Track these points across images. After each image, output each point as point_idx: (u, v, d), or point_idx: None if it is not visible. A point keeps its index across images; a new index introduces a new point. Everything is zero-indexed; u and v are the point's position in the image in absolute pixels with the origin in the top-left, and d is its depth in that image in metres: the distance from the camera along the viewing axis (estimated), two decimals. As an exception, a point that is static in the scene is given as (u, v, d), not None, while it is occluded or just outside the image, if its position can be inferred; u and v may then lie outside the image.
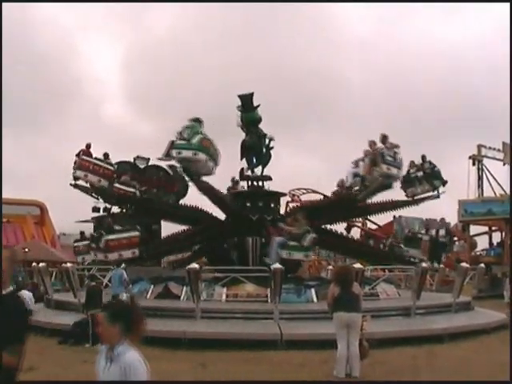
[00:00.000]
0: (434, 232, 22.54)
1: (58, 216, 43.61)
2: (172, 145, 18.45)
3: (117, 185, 19.52)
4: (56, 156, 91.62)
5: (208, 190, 19.98)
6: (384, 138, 19.79)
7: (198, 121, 19.05)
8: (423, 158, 21.42)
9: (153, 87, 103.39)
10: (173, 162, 19.91)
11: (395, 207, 22.05)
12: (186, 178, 20.40)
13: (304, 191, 37.13)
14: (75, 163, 19.92)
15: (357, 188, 19.84)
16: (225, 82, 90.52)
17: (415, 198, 21.34)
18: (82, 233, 22.77)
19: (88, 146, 20.11)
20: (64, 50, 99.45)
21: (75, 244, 22.59)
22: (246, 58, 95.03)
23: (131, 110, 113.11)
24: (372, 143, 19.74)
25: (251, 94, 19.79)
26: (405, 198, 21.50)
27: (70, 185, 20.02)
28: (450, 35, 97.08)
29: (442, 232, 22.81)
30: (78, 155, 19.93)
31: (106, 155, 20.03)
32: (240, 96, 19.69)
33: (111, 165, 20.11)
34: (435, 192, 21.03)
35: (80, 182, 20.00)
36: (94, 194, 21.17)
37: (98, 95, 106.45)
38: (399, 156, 19.96)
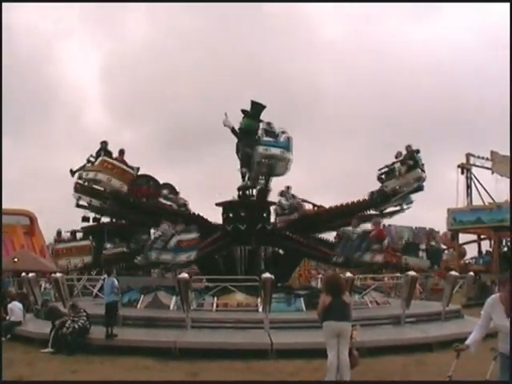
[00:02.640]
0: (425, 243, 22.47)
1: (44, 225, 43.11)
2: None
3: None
4: (37, 163, 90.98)
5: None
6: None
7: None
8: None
9: (132, 93, 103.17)
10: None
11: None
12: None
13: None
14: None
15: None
16: (203, 87, 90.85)
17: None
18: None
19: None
20: (41, 56, 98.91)
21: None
22: (223, 62, 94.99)
23: (111, 116, 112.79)
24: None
25: (263, 107, 19.71)
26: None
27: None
28: (431, 37, 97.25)
29: (432, 242, 22.78)
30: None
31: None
32: (253, 102, 19.57)
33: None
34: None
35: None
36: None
37: (77, 102, 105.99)
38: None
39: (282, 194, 22.78)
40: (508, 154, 41.51)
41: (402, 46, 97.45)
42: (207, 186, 64.63)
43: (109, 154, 19.37)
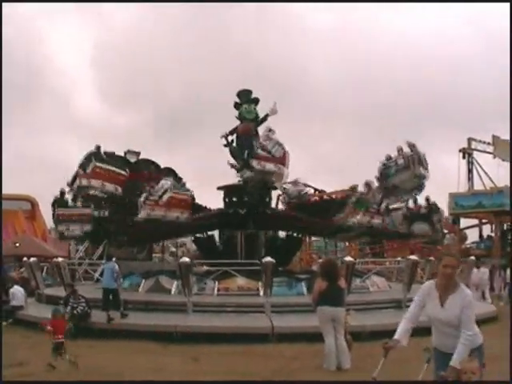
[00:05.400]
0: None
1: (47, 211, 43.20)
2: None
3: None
4: (27, 148, 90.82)
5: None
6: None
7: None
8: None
9: (122, 79, 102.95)
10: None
11: None
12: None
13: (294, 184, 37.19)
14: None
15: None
16: (194, 72, 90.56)
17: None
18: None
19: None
20: (29, 40, 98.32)
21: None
22: (212, 51, 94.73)
23: (101, 102, 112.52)
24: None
25: (250, 91, 19.96)
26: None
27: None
28: (430, 20, 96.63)
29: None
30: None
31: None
32: (240, 91, 19.80)
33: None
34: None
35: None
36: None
37: (66, 87, 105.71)
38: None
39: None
40: (509, 138, 41.46)
41: (399, 28, 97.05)
42: (205, 169, 64.66)
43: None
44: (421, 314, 5.56)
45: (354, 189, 19.74)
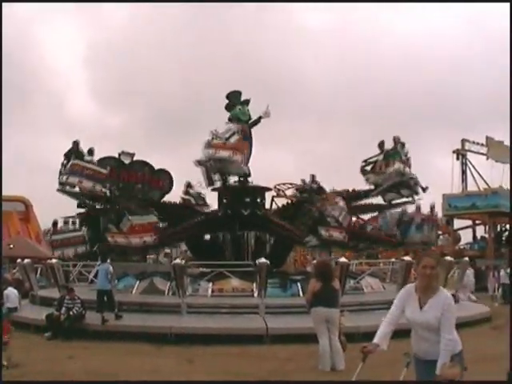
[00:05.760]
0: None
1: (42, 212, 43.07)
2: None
3: None
4: (23, 149, 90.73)
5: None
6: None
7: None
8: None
9: (115, 80, 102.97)
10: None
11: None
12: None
13: (290, 186, 37.23)
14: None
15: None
16: (187, 73, 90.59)
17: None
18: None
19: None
20: (23, 41, 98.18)
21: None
22: (208, 52, 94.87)
23: (95, 102, 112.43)
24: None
25: (239, 92, 19.94)
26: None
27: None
28: (424, 22, 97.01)
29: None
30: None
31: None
32: (230, 92, 19.85)
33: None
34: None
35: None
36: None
37: (60, 88, 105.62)
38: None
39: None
40: (503, 139, 41.66)
41: (396, 29, 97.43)
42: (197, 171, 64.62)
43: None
44: (401, 317, 5.41)
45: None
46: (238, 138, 18.54)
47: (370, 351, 5.26)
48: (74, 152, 19.35)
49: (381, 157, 19.98)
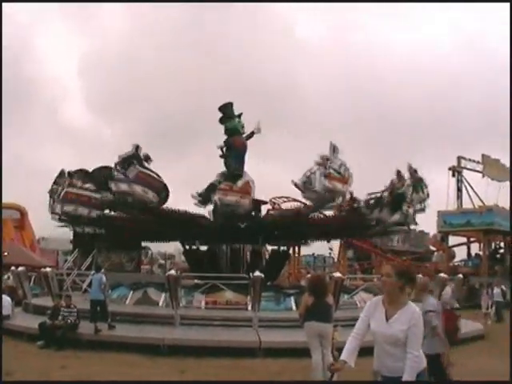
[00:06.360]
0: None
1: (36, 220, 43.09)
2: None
3: None
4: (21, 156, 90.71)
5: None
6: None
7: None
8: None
9: (110, 90, 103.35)
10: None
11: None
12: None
13: (285, 199, 37.38)
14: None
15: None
16: (183, 84, 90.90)
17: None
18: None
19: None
20: (19, 49, 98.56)
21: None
22: (200, 63, 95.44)
23: (89, 112, 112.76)
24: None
25: (231, 103, 20.15)
26: None
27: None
28: (418, 37, 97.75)
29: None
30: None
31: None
32: (222, 105, 19.96)
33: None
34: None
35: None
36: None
37: (55, 97, 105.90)
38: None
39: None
40: (498, 157, 41.86)
41: (390, 45, 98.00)
42: (194, 182, 64.87)
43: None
44: (367, 331, 5.13)
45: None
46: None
47: (337, 369, 5.13)
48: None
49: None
